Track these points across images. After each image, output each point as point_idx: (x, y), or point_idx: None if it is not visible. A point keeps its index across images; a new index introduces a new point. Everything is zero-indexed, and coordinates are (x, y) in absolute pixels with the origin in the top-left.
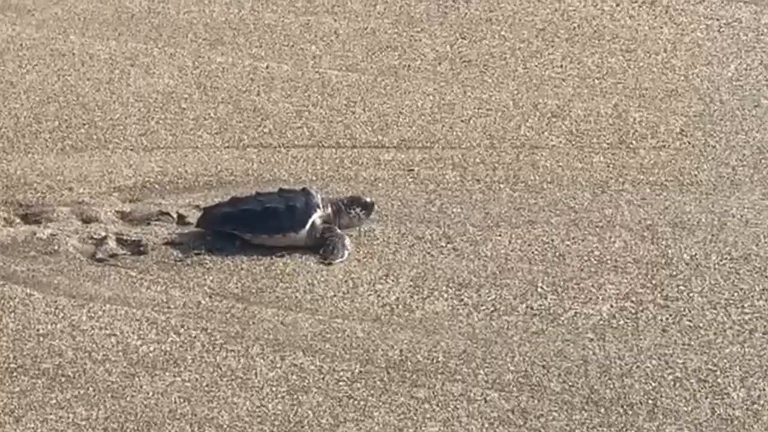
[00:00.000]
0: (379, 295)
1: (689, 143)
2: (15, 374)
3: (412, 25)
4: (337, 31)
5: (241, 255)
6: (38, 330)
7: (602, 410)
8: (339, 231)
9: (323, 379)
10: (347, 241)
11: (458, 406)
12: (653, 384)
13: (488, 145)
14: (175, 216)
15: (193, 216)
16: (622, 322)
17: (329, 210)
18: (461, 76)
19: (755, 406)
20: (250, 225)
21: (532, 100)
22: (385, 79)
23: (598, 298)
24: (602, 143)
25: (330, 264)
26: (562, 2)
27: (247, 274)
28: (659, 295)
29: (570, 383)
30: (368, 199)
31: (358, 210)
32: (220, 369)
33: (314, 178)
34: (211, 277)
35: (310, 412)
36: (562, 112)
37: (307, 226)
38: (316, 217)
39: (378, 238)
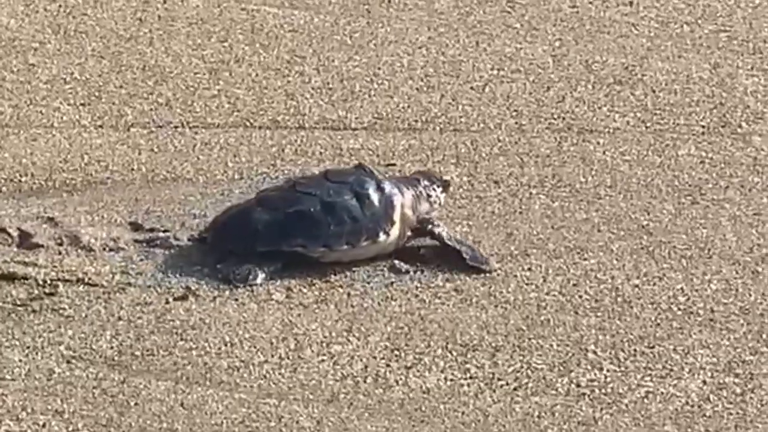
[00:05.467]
0: (336, 362)
1: None
2: None
3: None
4: None
5: (118, 294)
6: None
7: None
8: (439, 222)
9: None
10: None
11: None
12: None
13: (514, 126)
14: (15, 235)
15: (42, 234)
16: (720, 408)
17: (408, 194)
18: (472, 18)
19: None
20: (319, 234)
21: (584, 57)
22: (353, 22)
23: (683, 369)
24: (693, 126)
25: (489, 272)
26: None
27: (127, 326)
28: None
29: None
30: (446, 177)
31: (438, 191)
32: None
33: (239, 174)
34: (71, 332)
35: None
36: (632, 77)
37: (397, 221)
38: (403, 206)
39: (338, 269)
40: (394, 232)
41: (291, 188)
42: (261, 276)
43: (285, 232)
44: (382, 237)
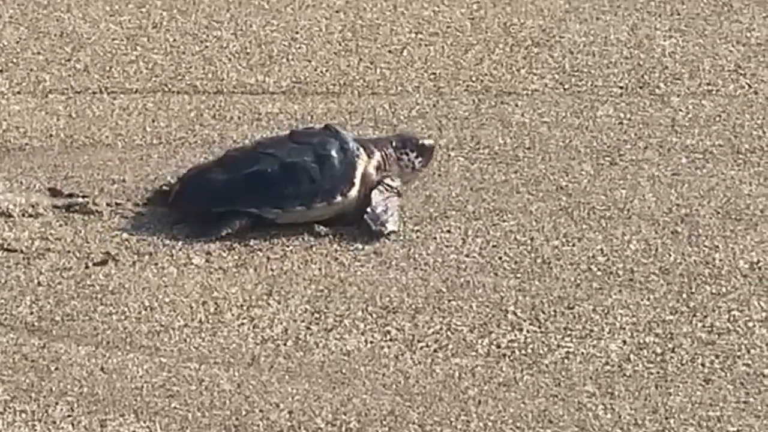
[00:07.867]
0: (256, 326)
1: (749, 86)
2: None
3: None
4: None
5: (37, 260)
6: None
7: None
8: (396, 184)
9: None
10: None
11: None
12: None
13: (432, 89)
14: None
15: None
16: (641, 368)
17: (377, 155)
18: None
19: None
20: (275, 197)
21: (502, 19)
22: None
23: (603, 329)
24: (612, 87)
25: (379, 235)
26: None
27: (47, 291)
28: (700, 324)
29: None
30: (426, 141)
31: (411, 155)
32: None
33: (158, 139)
34: None
35: None
36: (550, 39)
37: (357, 183)
38: (365, 168)
39: (258, 234)
40: (353, 193)
41: (253, 149)
42: (228, 231)
43: (240, 194)
44: (338, 198)
